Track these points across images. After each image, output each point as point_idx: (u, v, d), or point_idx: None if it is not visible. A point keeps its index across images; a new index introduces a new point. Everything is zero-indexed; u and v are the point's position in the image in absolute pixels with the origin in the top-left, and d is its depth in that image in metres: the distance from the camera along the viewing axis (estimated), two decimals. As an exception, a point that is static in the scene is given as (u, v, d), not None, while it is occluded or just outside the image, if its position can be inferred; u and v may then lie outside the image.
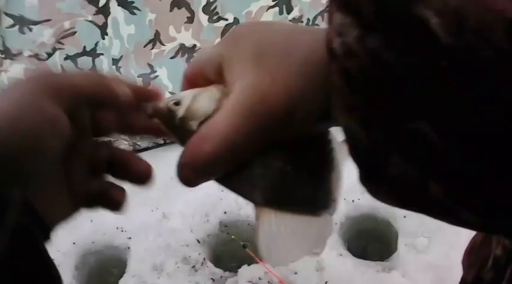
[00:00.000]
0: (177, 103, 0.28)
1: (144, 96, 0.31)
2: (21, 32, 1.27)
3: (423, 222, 1.54)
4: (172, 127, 0.28)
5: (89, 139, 0.29)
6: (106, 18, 1.34)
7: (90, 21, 1.33)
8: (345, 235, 1.58)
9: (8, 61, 1.32)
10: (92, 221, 1.64)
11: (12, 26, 1.26)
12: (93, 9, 1.30)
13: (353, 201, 1.61)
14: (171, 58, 1.52)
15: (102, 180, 0.31)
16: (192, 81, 0.29)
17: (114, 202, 0.31)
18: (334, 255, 1.50)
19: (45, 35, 1.27)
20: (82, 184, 0.30)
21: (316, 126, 0.25)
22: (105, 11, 1.31)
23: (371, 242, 1.65)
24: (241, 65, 0.25)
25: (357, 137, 0.19)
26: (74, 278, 1.56)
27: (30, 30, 1.28)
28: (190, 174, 0.24)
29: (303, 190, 0.27)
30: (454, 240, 1.50)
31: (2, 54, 1.32)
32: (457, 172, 0.17)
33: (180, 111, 0.27)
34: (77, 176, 0.29)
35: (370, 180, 0.21)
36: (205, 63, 0.28)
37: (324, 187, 0.28)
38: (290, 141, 0.25)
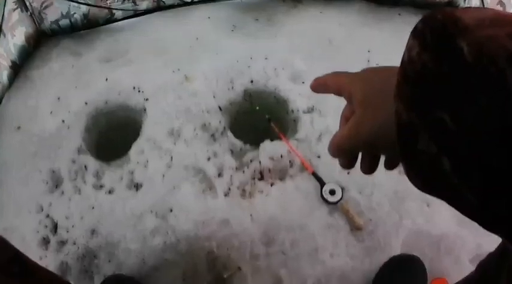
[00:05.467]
0: None
1: None
2: None
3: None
4: None
5: None
6: None
7: None
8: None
9: None
10: (107, 80, 1.52)
11: None
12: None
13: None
14: None
15: None
16: (325, 85, 0.53)
17: None
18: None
19: None
20: None
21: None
22: None
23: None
24: (361, 100, 0.47)
25: (401, 117, 0.34)
26: (84, 140, 1.46)
27: None
28: (332, 151, 0.50)
29: None
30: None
31: None
32: (463, 152, 0.29)
33: None
34: None
35: (405, 155, 0.35)
36: (342, 82, 0.50)
37: None
38: None
